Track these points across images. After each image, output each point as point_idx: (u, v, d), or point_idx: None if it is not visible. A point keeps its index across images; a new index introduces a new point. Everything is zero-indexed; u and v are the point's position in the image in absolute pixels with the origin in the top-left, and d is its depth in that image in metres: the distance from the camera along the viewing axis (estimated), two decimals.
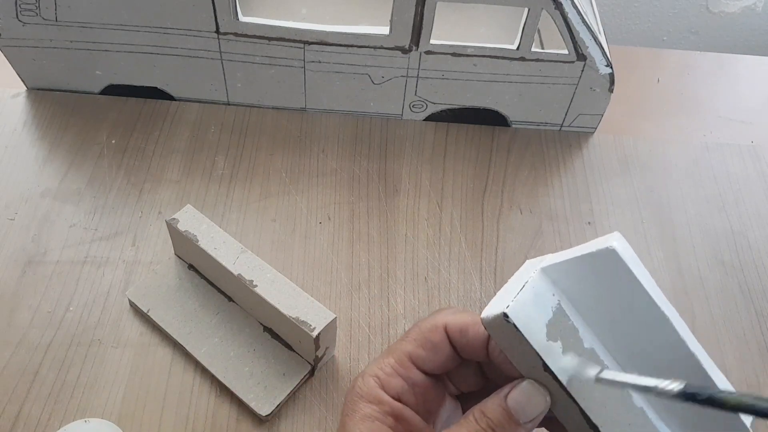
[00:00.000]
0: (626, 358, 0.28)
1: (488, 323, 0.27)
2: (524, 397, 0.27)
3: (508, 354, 0.28)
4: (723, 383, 0.26)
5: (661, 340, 0.26)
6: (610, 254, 0.25)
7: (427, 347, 0.30)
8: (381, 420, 0.29)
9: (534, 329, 0.26)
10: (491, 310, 0.27)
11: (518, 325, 0.26)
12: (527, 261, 0.29)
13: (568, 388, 0.26)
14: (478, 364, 0.32)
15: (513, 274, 0.29)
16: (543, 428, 0.31)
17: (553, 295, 0.27)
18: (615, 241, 0.25)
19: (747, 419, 0.26)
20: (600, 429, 0.26)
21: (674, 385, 0.23)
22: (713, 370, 0.26)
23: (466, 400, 0.33)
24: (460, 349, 0.30)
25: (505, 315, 0.26)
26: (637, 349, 0.27)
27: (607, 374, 0.26)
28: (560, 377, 0.26)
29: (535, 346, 0.26)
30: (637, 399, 0.27)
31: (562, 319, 0.27)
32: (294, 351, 0.44)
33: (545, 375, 0.26)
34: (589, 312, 0.28)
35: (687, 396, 0.22)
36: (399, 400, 0.30)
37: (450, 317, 0.30)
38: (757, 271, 0.53)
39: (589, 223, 0.55)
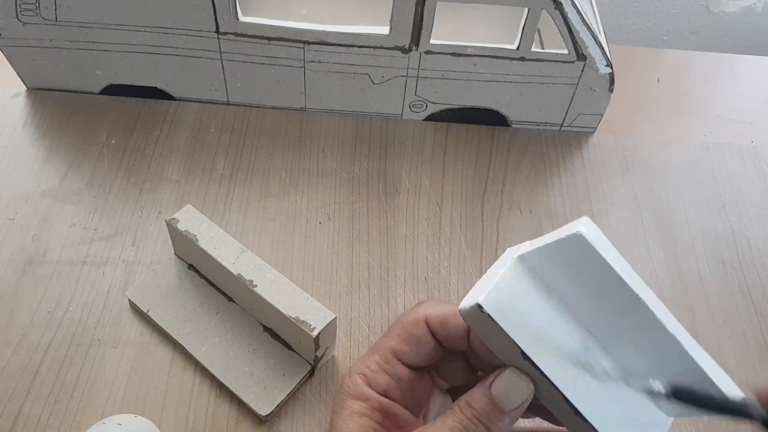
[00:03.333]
0: (607, 340, 0.28)
1: (466, 314, 0.27)
2: (507, 385, 0.27)
3: (488, 344, 0.28)
4: (706, 362, 0.26)
5: (638, 322, 0.26)
6: (579, 239, 0.25)
7: (410, 341, 0.30)
8: (368, 415, 0.29)
9: (511, 318, 0.26)
10: (468, 301, 0.27)
11: (493, 316, 0.26)
12: (507, 249, 0.29)
13: (549, 376, 0.26)
14: (464, 357, 0.32)
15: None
16: (538, 418, 0.31)
17: (531, 282, 0.27)
18: (582, 226, 0.25)
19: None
20: (585, 416, 0.26)
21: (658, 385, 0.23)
22: (695, 350, 0.26)
23: (457, 395, 0.33)
24: (442, 341, 0.30)
25: (480, 306, 0.26)
26: (617, 330, 0.27)
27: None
28: (540, 365, 0.26)
29: (512, 335, 0.26)
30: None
31: (539, 307, 0.27)
32: (294, 351, 0.44)
33: (526, 363, 0.26)
34: (568, 297, 0.28)
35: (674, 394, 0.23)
36: (386, 395, 0.30)
37: (430, 309, 0.30)
38: (757, 271, 0.53)
39: None
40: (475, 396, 0.27)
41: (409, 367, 0.31)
